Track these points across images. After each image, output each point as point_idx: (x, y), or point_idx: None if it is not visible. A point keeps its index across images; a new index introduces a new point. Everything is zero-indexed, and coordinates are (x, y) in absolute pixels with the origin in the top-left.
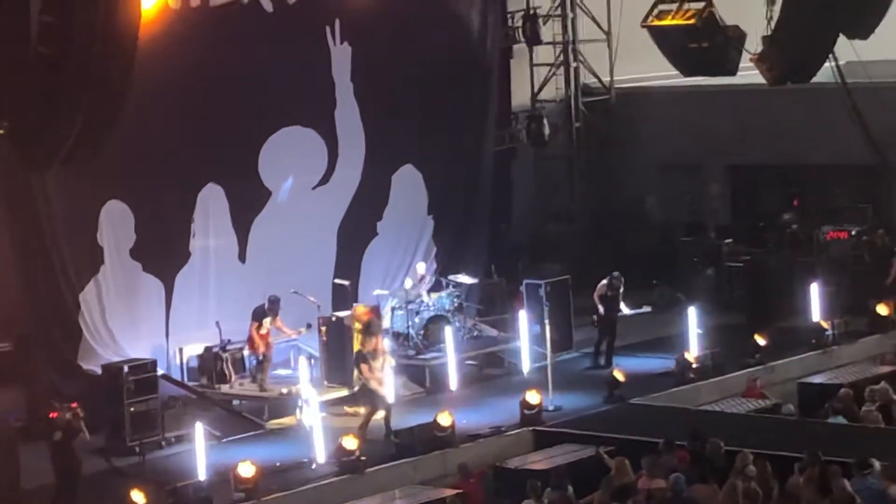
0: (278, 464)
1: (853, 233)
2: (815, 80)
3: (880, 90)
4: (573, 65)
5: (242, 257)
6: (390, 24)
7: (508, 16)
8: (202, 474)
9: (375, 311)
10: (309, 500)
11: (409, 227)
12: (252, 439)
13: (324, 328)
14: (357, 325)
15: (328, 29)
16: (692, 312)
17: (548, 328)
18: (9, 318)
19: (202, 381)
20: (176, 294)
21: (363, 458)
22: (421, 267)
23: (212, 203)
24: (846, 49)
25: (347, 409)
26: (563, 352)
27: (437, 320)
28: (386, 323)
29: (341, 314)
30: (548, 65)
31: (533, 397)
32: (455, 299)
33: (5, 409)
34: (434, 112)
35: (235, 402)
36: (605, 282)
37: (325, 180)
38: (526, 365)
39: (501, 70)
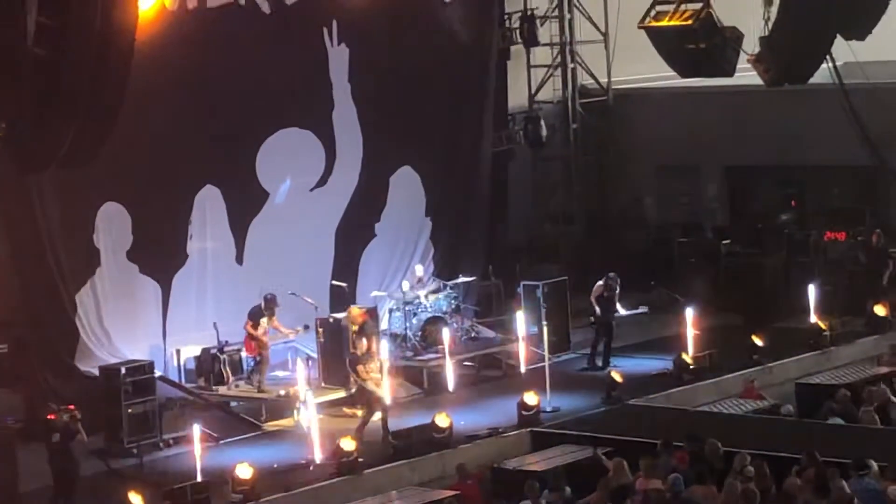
0: (276, 465)
1: (851, 233)
2: (812, 81)
3: (877, 91)
4: (570, 66)
5: (240, 259)
6: (388, 25)
7: (506, 17)
8: (200, 476)
9: (371, 312)
10: (307, 501)
11: (407, 229)
12: (250, 441)
13: (321, 329)
14: (353, 327)
15: (326, 30)
16: (689, 313)
17: (545, 329)
18: (6, 320)
19: (199, 382)
20: (173, 296)
21: (361, 459)
22: (419, 269)
23: (209, 205)
24: (843, 50)
25: (346, 410)
26: (560, 353)
27: (434, 321)
28: (384, 324)
29: (339, 315)
30: (545, 66)
31: (531, 398)
32: (453, 300)
33: (3, 411)
34: (432, 113)
35: (233, 403)
36: (600, 283)
37: (322, 182)
38: (523, 366)
39: (499, 71)
